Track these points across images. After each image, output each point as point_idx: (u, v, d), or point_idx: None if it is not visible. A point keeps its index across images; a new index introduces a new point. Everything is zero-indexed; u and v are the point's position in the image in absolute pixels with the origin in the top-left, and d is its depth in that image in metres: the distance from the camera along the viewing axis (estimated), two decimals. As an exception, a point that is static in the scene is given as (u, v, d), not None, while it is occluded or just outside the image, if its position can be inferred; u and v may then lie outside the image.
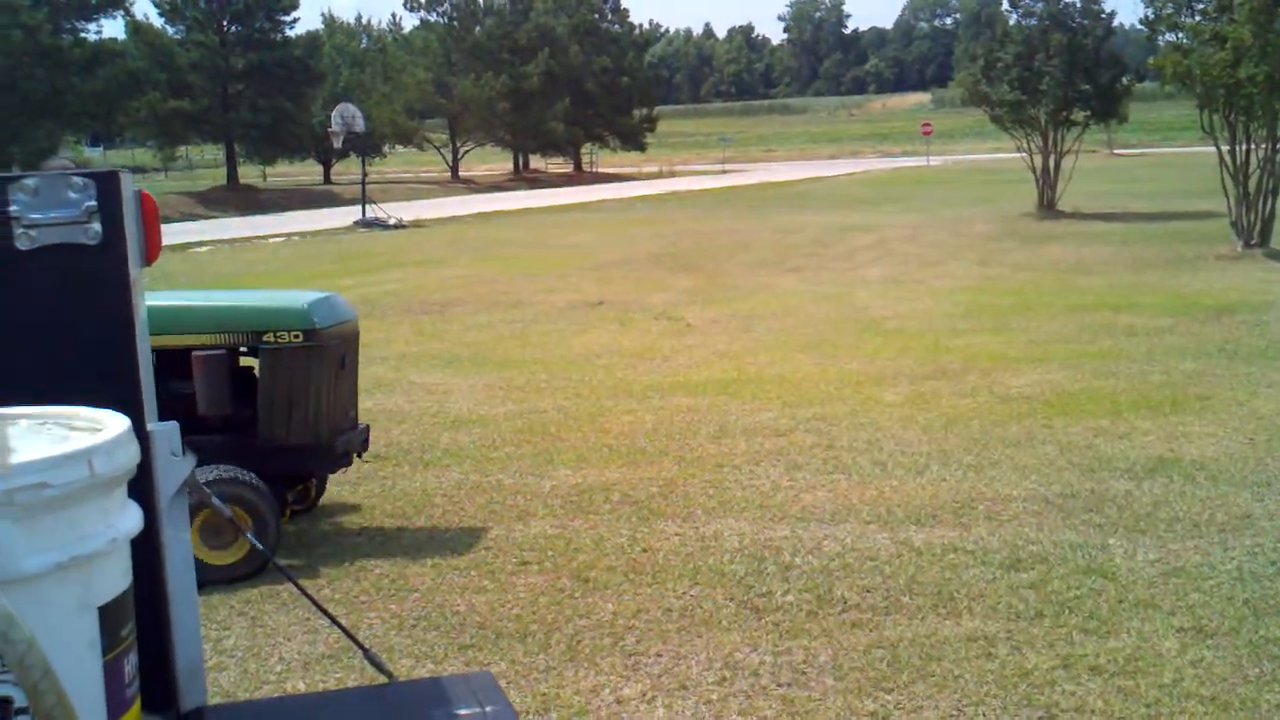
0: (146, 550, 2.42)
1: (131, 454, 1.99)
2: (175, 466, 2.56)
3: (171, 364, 5.94)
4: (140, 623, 2.15)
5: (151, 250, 2.79)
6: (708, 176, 59.25)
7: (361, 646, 2.99)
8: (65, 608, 1.83)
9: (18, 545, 1.73)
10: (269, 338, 5.99)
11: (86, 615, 1.86)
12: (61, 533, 1.81)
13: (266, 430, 6.03)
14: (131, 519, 2.00)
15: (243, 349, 6.15)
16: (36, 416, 2.11)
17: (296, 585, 3.15)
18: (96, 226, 2.52)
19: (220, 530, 5.59)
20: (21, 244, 2.47)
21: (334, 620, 3.16)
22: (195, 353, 5.97)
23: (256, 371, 6.12)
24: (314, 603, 3.17)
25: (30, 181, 2.48)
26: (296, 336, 5.98)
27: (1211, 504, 6.27)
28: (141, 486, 2.37)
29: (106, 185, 2.54)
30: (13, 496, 1.72)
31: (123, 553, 1.98)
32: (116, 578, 1.95)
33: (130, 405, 2.45)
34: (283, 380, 5.98)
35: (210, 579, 5.44)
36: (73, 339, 2.52)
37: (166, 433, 2.56)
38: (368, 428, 6.71)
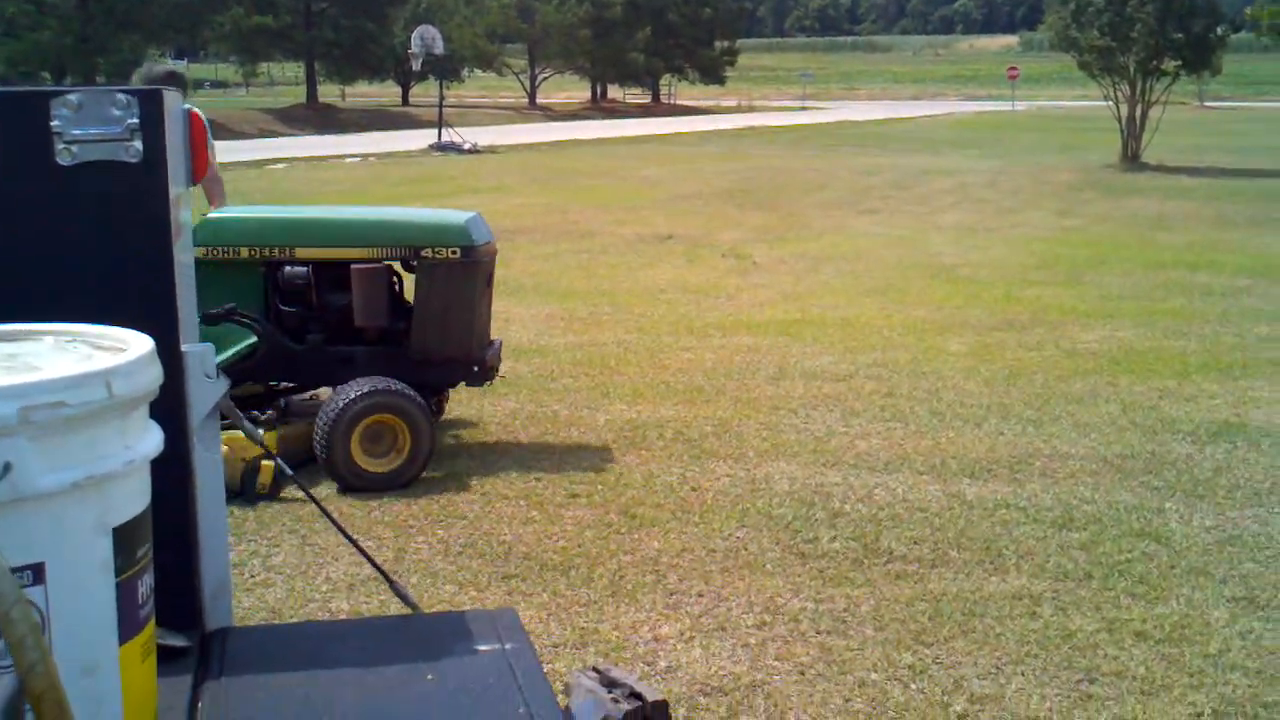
0: (176, 471, 2.42)
1: (153, 376, 1.98)
2: (208, 388, 2.56)
3: (329, 276, 6.18)
4: (167, 543, 2.15)
5: (197, 170, 2.77)
6: (787, 113, 58.63)
7: (387, 577, 2.99)
8: (80, 527, 1.82)
9: (33, 463, 1.72)
10: (427, 253, 6.13)
11: (101, 535, 1.85)
12: (78, 452, 1.79)
13: (420, 343, 6.19)
14: (152, 441, 1.99)
15: (398, 263, 6.33)
16: (64, 334, 2.10)
17: (327, 514, 3.17)
18: (138, 144, 2.49)
19: (380, 438, 5.83)
20: (63, 159, 2.45)
21: (362, 550, 3.17)
22: (355, 265, 6.12)
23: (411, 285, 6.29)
24: (343, 532, 3.18)
25: (73, 97, 2.46)
26: (454, 252, 6.14)
27: (1274, 472, 6.12)
28: (173, 407, 2.38)
29: (150, 103, 2.51)
30: (29, 414, 1.71)
31: (141, 474, 1.97)
32: (134, 499, 1.94)
33: (165, 325, 2.45)
34: (438, 294, 6.13)
35: (370, 485, 5.75)
36: (111, 257, 2.51)
37: (200, 354, 2.55)
38: (501, 343, 6.81)
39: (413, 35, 37.47)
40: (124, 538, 1.90)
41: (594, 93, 72.94)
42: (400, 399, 5.84)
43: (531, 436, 6.72)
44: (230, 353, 6.01)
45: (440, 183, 23.54)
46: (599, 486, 5.85)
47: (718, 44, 72.95)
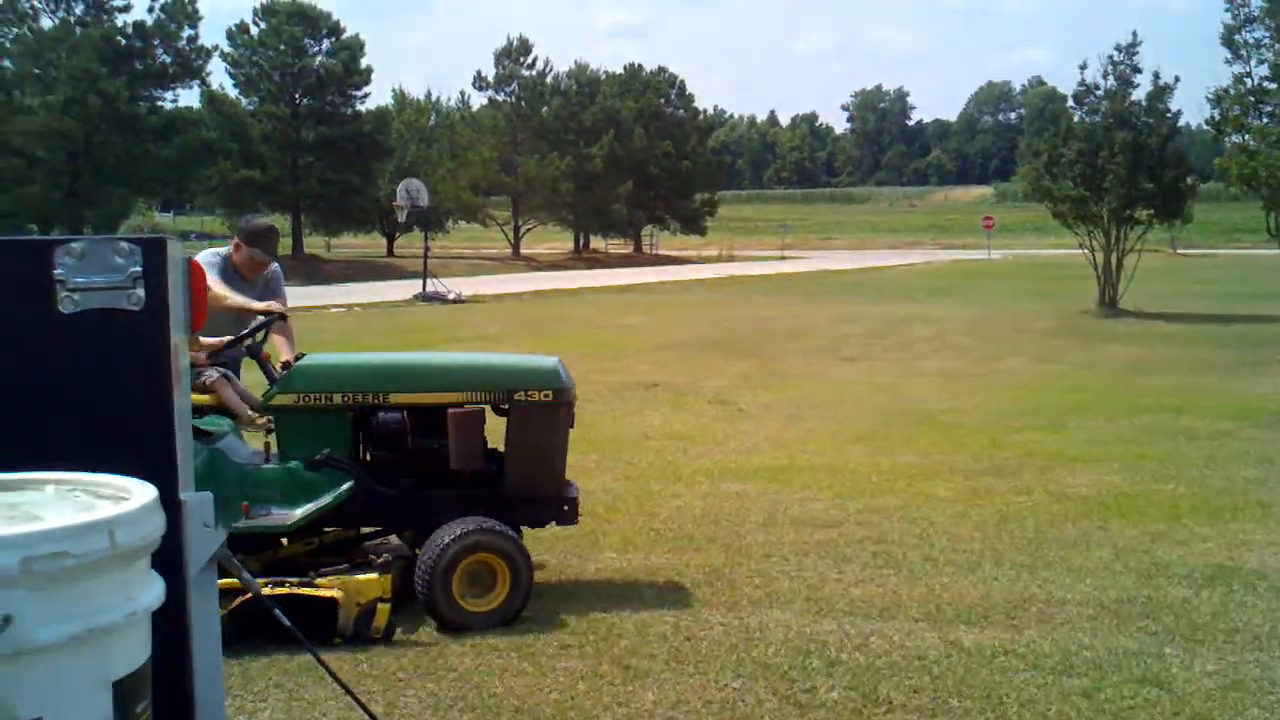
0: (172, 623, 2.37)
1: (156, 525, 1.95)
2: (206, 538, 2.52)
3: (422, 420, 6.30)
4: (163, 698, 2.09)
5: (197, 318, 2.78)
6: (767, 262, 59.36)
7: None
8: (78, 682, 1.78)
9: (32, 615, 1.69)
10: (519, 395, 6.32)
11: (100, 690, 1.81)
12: (78, 604, 1.76)
13: (514, 483, 6.36)
14: (153, 592, 1.96)
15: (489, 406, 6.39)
16: (65, 483, 2.08)
17: (325, 667, 3.09)
18: (140, 292, 2.50)
19: (479, 578, 5.94)
20: (65, 307, 2.46)
21: (363, 705, 3.10)
22: (452, 410, 6.24)
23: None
24: (343, 686, 3.11)
25: (77, 245, 2.48)
26: (546, 395, 6.35)
27: (1273, 615, 6.07)
28: (171, 557, 2.34)
29: (152, 251, 2.53)
30: (31, 565, 1.68)
31: (142, 626, 1.93)
32: (134, 652, 1.90)
33: (164, 473, 2.42)
34: (530, 435, 6.33)
35: (471, 625, 5.85)
36: (111, 404, 2.50)
37: (199, 503, 2.52)
38: (577, 487, 6.84)
39: (398, 188, 38.04)
40: (124, 692, 1.86)
41: (577, 243, 73.88)
42: (500, 538, 5.99)
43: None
44: (329, 498, 6.08)
45: (426, 332, 23.65)
46: (591, 637, 5.76)
47: (698, 196, 74.18)
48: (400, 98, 71.59)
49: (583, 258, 68.34)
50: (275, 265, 7.47)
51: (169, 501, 2.29)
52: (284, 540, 6.31)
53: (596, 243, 76.63)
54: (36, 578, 1.69)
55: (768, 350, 19.38)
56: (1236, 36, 19.26)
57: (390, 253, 64.88)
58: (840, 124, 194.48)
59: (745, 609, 6.17)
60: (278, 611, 3.29)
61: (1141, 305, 26.56)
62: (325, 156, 56.63)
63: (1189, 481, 9.29)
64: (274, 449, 6.36)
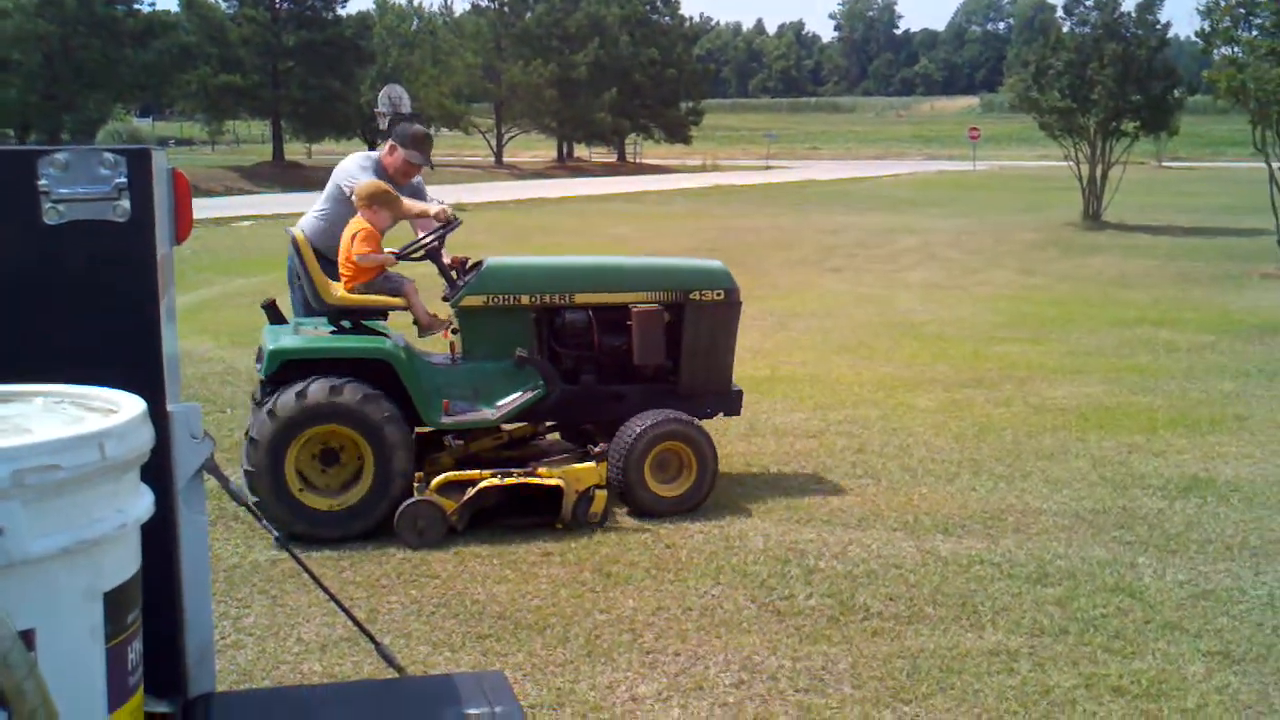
0: (161, 533, 2.40)
1: (145, 438, 1.97)
2: (194, 449, 2.54)
3: (606, 319, 6.59)
4: (151, 607, 2.13)
5: (182, 229, 2.78)
6: (752, 172, 59.07)
7: (373, 639, 2.97)
8: (71, 592, 1.81)
9: (25, 527, 1.71)
10: (695, 295, 6.69)
11: (92, 601, 1.84)
12: (70, 516, 1.78)
13: (689, 378, 6.70)
14: (143, 504, 1.98)
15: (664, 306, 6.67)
16: (53, 395, 2.09)
17: (310, 574, 3.13)
18: (125, 204, 2.50)
19: (667, 465, 6.33)
20: (49, 218, 2.45)
21: (346, 611, 3.14)
22: (635, 307, 6.52)
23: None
24: (327, 592, 3.15)
25: (61, 156, 2.47)
26: (719, 295, 6.76)
27: (1245, 527, 6.18)
28: (158, 468, 2.36)
29: (138, 162, 2.52)
30: (22, 478, 1.70)
31: (132, 538, 1.96)
32: (124, 563, 1.93)
33: (151, 385, 2.44)
34: (704, 333, 6.70)
35: (664, 510, 6.25)
36: (97, 316, 2.50)
37: (186, 414, 2.54)
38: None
39: (380, 94, 37.59)
40: (114, 603, 1.89)
41: (560, 152, 73.29)
42: (689, 427, 6.36)
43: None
44: (528, 395, 6.34)
45: (405, 239, 23.46)
46: (572, 545, 5.84)
47: (683, 104, 73.50)
48: (382, 3, 70.49)
49: (566, 166, 67.85)
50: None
51: (156, 413, 2.31)
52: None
53: (580, 151, 76.04)
54: (28, 490, 1.71)
55: (752, 261, 19.34)
56: (1228, -53, 19.01)
57: (372, 160, 64.23)
58: (827, 32, 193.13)
59: (725, 518, 6.25)
60: (264, 523, 3.32)
61: (1125, 218, 26.57)
62: (306, 62, 55.75)
63: (1167, 394, 9.39)
64: (458, 349, 6.61)
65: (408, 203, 6.80)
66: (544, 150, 77.60)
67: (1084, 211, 26.97)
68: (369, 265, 6.40)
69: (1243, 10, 19.04)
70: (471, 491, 5.89)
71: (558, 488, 6.00)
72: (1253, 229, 22.41)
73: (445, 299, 6.60)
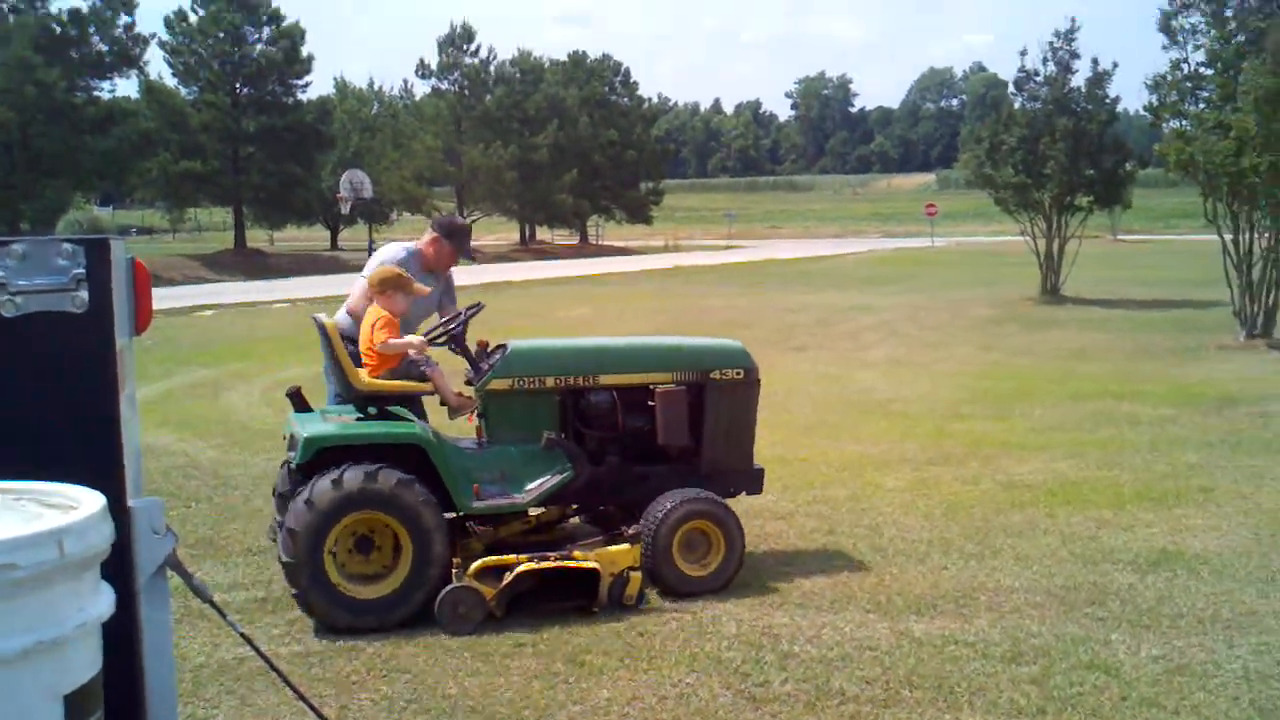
0: (123, 632, 2.34)
1: (105, 534, 1.92)
2: (156, 545, 2.48)
3: (629, 400, 6.66)
4: (114, 709, 2.06)
5: (142, 319, 2.74)
6: (712, 252, 59.49)
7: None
8: (30, 694, 1.74)
9: (-18, 631, 1.65)
10: (715, 374, 6.80)
11: (52, 703, 1.77)
12: (29, 616, 1.73)
13: (711, 457, 6.79)
14: (104, 602, 1.92)
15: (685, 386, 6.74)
16: (11, 492, 2.04)
17: (277, 672, 3.06)
18: (84, 294, 2.46)
19: (696, 546, 6.37)
20: (6, 311, 2.41)
21: (315, 710, 3.07)
22: (659, 388, 6.60)
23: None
24: (295, 691, 3.08)
25: (18, 246, 2.43)
26: (739, 374, 6.87)
27: (1216, 600, 6.16)
28: (120, 565, 2.30)
29: (96, 252, 2.48)
30: (-21, 580, 1.64)
31: (93, 638, 1.90)
32: (86, 663, 1.87)
33: (111, 479, 2.39)
34: (725, 412, 6.79)
35: (691, 590, 6.25)
36: (55, 410, 2.45)
37: (148, 509, 2.48)
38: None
39: (341, 179, 37.75)
40: (75, 705, 1.82)
41: (523, 234, 73.63)
42: (716, 506, 6.42)
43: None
44: (556, 478, 6.35)
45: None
46: (545, 635, 5.75)
47: (643, 184, 74.11)
48: (342, 86, 71.02)
49: (529, 249, 68.14)
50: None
51: (117, 508, 2.26)
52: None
53: (542, 233, 76.41)
54: (-15, 593, 1.65)
55: (715, 340, 19.40)
56: (1173, 22, 19.37)
57: (334, 245, 64.41)
58: (784, 111, 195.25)
59: (698, 603, 6.18)
60: (230, 620, 3.24)
61: (1082, 292, 26.86)
62: (267, 147, 55.91)
63: (1133, 468, 9.41)
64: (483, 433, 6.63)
65: (418, 285, 6.81)
66: (506, 233, 77.94)
67: (1042, 286, 27.23)
68: (395, 352, 6.43)
69: (1189, 84, 19.42)
70: (510, 576, 5.88)
71: (594, 570, 6.01)
72: (1208, 300, 22.70)
73: (468, 382, 6.67)
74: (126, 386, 2.60)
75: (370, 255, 7.42)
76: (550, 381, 6.54)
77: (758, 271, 41.57)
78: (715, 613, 6.03)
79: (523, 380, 6.49)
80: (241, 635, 3.30)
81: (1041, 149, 26.55)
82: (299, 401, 6.62)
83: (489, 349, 6.78)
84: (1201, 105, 19.48)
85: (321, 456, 5.85)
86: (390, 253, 7.48)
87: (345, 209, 39.90)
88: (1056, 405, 12.55)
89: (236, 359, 17.85)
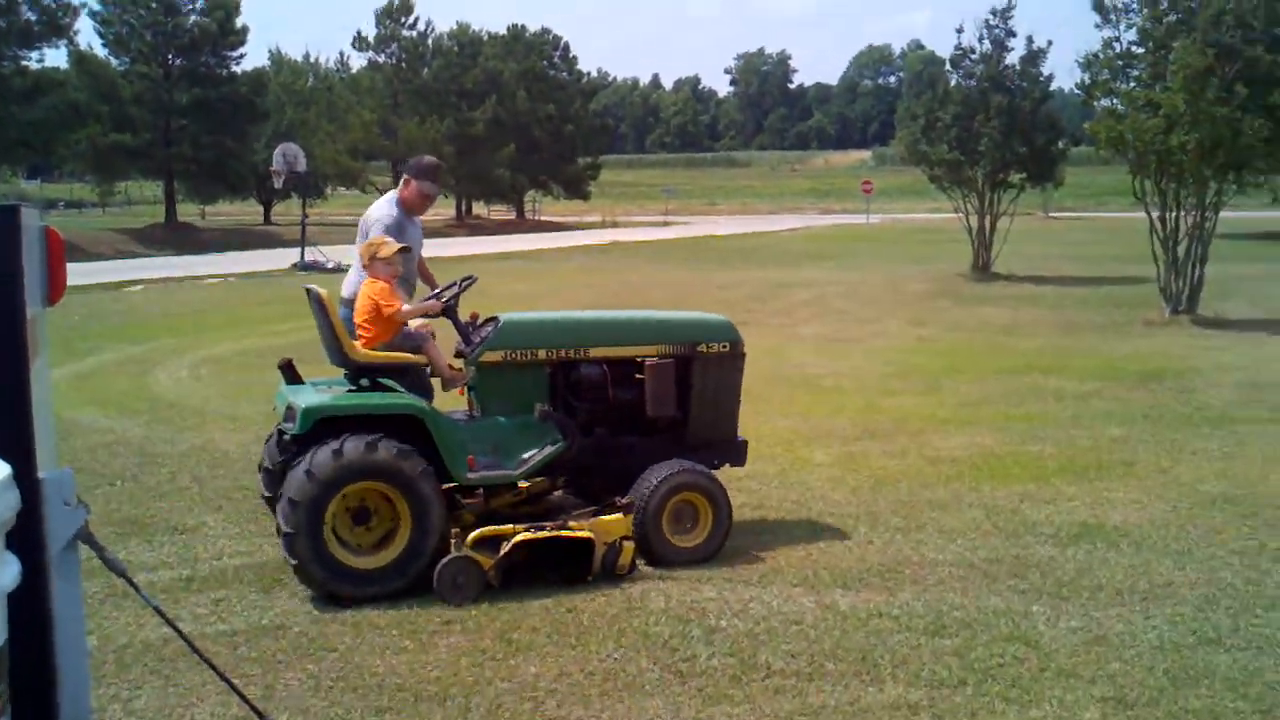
0: (32, 604, 2.33)
1: (9, 504, 1.91)
2: (67, 517, 2.47)
3: (619, 372, 6.74)
4: (24, 680, 2.06)
5: (55, 289, 2.71)
6: (650, 228, 59.45)
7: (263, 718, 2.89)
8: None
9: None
10: (702, 348, 6.89)
11: (-44, 685, 1.77)
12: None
13: (698, 428, 6.91)
14: (8, 572, 1.92)
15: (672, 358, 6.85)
16: (-83, 471, 2.02)
17: (199, 654, 3.06)
18: (-8, 263, 2.43)
19: (683, 517, 6.47)
20: (-87, 282, 2.38)
21: (239, 691, 3.07)
22: (649, 361, 6.68)
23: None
24: (218, 672, 3.07)
25: (-74, 219, 2.40)
26: (725, 347, 6.98)
27: (1134, 571, 6.30)
28: (29, 536, 2.29)
29: (5, 219, 2.46)
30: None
31: (-2, 610, 1.89)
32: (-9, 641, 1.86)
33: (21, 451, 2.37)
34: (711, 384, 6.91)
35: (679, 560, 6.37)
36: (-37, 384, 2.42)
37: (58, 481, 2.47)
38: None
39: (275, 153, 37.22)
40: (-20, 683, 1.82)
41: (459, 209, 73.13)
42: (704, 478, 6.52)
43: None
44: (550, 449, 6.43)
45: (305, 302, 23.19)
46: (473, 612, 5.77)
47: (580, 160, 73.85)
48: (277, 59, 70.13)
49: (465, 224, 67.72)
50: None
51: (27, 479, 2.25)
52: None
53: (478, 208, 75.95)
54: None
55: (650, 316, 19.44)
56: (1106, 1, 19.57)
57: (267, 220, 63.63)
58: (723, 88, 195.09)
59: (626, 578, 6.22)
60: (144, 594, 3.23)
61: (1014, 268, 27.16)
62: (199, 120, 55.02)
63: (1056, 441, 9.57)
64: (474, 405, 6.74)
65: (410, 309, 6.81)
66: (442, 209, 77.35)
67: (973, 263, 27.51)
68: (412, 317, 6.63)
69: (1120, 63, 19.63)
70: (507, 546, 5.96)
71: (589, 540, 6.10)
72: (1136, 277, 23.02)
73: (458, 354, 6.77)
74: (38, 357, 2.57)
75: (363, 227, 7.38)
76: (542, 354, 6.65)
77: (694, 247, 41.64)
78: (644, 588, 6.07)
79: (515, 353, 6.60)
80: (156, 609, 3.29)
81: (976, 126, 26.74)
82: (290, 373, 6.70)
83: (480, 321, 6.87)
84: (1132, 84, 19.70)
85: (319, 427, 5.90)
86: (379, 209, 7.53)
87: (278, 183, 39.35)
88: (984, 380, 12.72)
89: (165, 335, 17.64)
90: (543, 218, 73.66)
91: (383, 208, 7.49)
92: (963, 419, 10.56)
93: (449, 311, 6.78)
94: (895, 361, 14.28)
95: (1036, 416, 10.64)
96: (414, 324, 6.79)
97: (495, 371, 6.60)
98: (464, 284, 6.97)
